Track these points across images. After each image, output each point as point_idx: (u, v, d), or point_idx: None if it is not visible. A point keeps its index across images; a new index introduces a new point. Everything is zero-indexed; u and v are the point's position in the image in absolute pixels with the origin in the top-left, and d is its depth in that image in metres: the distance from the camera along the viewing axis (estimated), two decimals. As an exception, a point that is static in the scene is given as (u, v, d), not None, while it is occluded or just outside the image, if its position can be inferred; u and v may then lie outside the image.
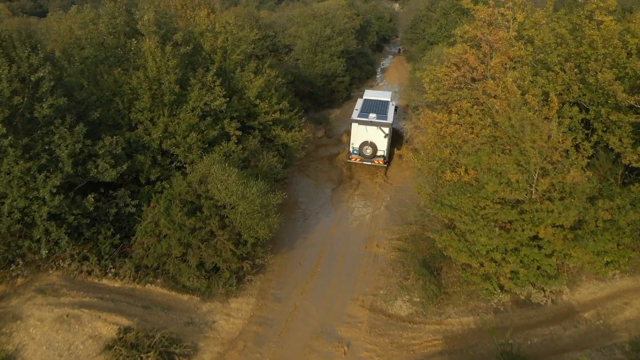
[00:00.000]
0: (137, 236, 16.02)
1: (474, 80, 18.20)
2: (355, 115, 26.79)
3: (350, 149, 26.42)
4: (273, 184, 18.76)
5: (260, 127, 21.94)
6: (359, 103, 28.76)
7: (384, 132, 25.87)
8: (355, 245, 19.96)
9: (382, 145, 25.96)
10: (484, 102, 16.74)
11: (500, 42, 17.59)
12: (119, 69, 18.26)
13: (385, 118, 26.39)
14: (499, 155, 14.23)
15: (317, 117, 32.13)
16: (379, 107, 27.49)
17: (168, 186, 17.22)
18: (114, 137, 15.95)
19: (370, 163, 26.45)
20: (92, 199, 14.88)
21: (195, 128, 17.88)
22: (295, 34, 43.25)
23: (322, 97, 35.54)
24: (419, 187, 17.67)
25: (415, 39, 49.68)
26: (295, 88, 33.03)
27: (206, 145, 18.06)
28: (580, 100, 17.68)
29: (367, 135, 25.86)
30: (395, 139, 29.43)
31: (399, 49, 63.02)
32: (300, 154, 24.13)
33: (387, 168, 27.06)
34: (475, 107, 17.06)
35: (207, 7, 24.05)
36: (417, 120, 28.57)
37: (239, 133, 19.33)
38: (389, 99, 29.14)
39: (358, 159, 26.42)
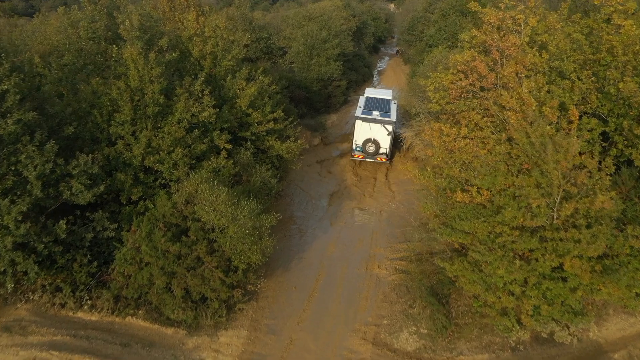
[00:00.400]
0: (116, 264, 14.42)
1: (482, 89, 16.72)
2: (359, 112, 26.71)
3: (354, 146, 26.31)
4: (266, 201, 17.21)
5: (253, 137, 20.37)
6: (361, 101, 28.63)
7: (387, 129, 25.81)
8: (355, 266, 18.41)
9: (385, 143, 25.96)
10: (495, 113, 15.24)
11: (512, 48, 16.11)
12: (98, 78, 16.62)
13: (389, 116, 26.27)
14: (516, 176, 12.74)
15: (312, 124, 30.57)
16: (382, 105, 27.43)
17: (152, 206, 15.63)
18: (90, 154, 14.30)
19: (372, 160, 26.43)
20: (64, 225, 13.26)
21: (181, 142, 16.28)
22: (290, 36, 41.70)
23: (318, 102, 33.99)
24: (425, 206, 16.15)
25: (413, 40, 48.18)
26: (290, 93, 31.48)
27: (193, 161, 16.46)
28: (598, 111, 16.22)
29: (370, 132, 25.82)
30: (395, 145, 27.99)
31: (397, 50, 61.53)
32: (296, 166, 22.56)
33: (389, 167, 25.80)
34: (485, 118, 15.55)
35: (196, 9, 22.46)
36: (417, 127, 27.14)
37: (229, 146, 17.74)
38: (391, 97, 29.24)
39: (361, 156, 26.27)
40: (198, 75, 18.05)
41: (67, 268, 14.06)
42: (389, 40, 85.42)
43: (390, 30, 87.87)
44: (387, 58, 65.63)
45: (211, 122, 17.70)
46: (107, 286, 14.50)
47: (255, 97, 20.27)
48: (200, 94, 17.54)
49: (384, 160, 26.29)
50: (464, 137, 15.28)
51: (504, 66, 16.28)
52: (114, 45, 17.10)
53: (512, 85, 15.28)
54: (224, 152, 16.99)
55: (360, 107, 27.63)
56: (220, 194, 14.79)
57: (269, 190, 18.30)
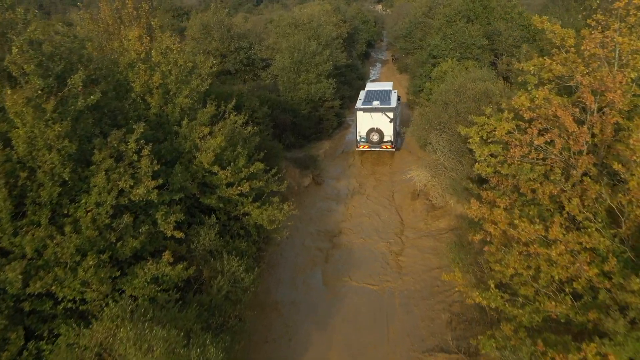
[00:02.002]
0: None
1: (568, 151, 10.68)
2: (359, 104, 26.81)
3: (358, 138, 26.48)
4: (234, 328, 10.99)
5: (221, 205, 14.15)
6: (362, 94, 28.42)
7: (388, 117, 25.80)
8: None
9: (389, 130, 26.01)
10: (612, 202, 9.18)
11: (614, 89, 10.06)
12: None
13: (389, 103, 26.32)
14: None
15: (302, 158, 24.33)
16: (382, 95, 27.51)
17: (47, 352, 9.35)
18: None
19: (378, 149, 26.56)
20: None
21: (98, 242, 10.00)
22: (274, 46, 35.39)
23: (307, 128, 27.74)
24: (487, 344, 9.98)
25: (412, 49, 42.06)
26: (274, 119, 25.24)
27: (117, 274, 10.13)
28: None
29: (372, 122, 25.90)
30: (405, 191, 22.04)
31: (393, 57, 55.22)
32: (282, 235, 16.26)
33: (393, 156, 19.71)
34: (587, 206, 9.45)
35: (140, 25, 16.13)
36: (434, 168, 21.10)
37: (180, 234, 11.47)
38: (391, 88, 29.32)
39: (366, 146, 26.45)
40: (135, 126, 11.74)
41: None
42: (378, 44, 79.57)
43: (380, 33, 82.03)
44: (378, 65, 59.53)
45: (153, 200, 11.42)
46: None
47: (223, 148, 14.03)
48: (135, 157, 11.27)
49: (389, 147, 26.21)
50: (556, 240, 9.15)
51: (600, 113, 10.26)
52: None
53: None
54: (168, 255, 10.61)
55: (360, 99, 27.40)
56: (154, 342, 8.56)
57: (240, 295, 12.04)
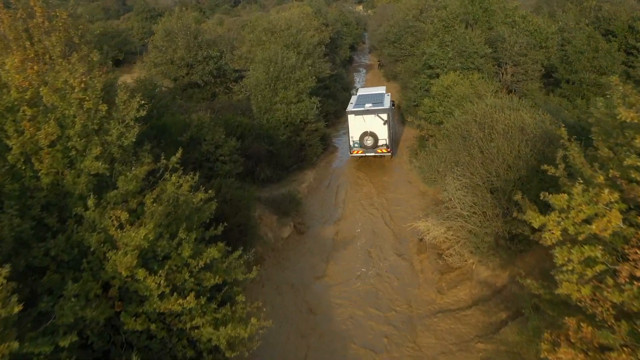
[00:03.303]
0: None
1: None
2: (350, 107, 24.87)
3: (351, 143, 24.35)
4: None
5: (153, 329, 8.98)
6: (353, 98, 26.68)
7: (382, 119, 23.91)
8: None
9: (383, 133, 24.04)
10: None
11: None
12: None
13: (382, 104, 24.56)
14: None
15: (279, 200, 19.11)
16: (375, 98, 25.83)
17: None
18: None
19: (373, 154, 24.46)
20: None
21: None
22: (247, 55, 30.14)
23: (286, 157, 22.54)
24: None
25: (401, 56, 37.10)
26: (245, 149, 20.10)
27: None
28: None
29: (365, 125, 23.96)
30: (407, 240, 17.06)
31: (379, 62, 50.16)
32: (251, 347, 11.03)
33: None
34: None
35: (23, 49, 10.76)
36: (454, 222, 16.15)
37: None
38: (384, 92, 27.38)
39: (360, 152, 24.31)
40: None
41: None
42: (360, 46, 74.74)
43: (362, 35, 77.26)
44: (362, 70, 54.52)
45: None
46: None
47: (156, 236, 8.84)
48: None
49: (385, 151, 24.21)
50: None
51: None
52: None
53: None
54: None
55: (351, 103, 25.61)
56: None
57: None
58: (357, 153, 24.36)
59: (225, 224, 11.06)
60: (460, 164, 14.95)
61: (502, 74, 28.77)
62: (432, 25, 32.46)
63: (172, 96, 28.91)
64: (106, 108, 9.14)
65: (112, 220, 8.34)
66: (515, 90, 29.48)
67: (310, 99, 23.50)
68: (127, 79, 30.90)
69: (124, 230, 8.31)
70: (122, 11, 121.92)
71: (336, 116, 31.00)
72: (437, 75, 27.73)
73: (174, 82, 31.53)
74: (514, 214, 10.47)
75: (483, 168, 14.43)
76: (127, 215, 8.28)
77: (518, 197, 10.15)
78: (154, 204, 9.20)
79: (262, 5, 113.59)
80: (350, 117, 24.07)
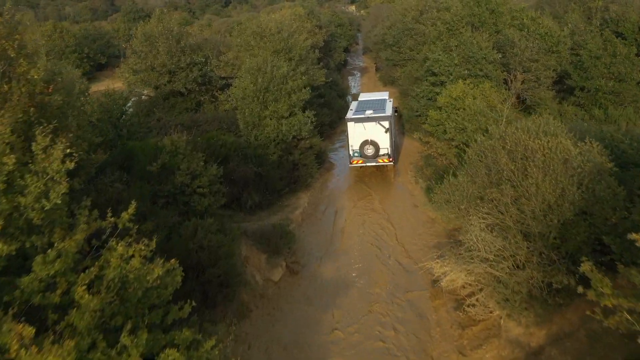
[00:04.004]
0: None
1: None
2: (350, 114, 23.07)
3: (350, 152, 22.57)
4: None
5: None
6: (353, 104, 25.07)
7: (383, 127, 22.11)
8: None
9: (385, 142, 22.28)
10: None
11: None
12: None
13: (384, 112, 22.82)
14: None
15: (269, 233, 16.21)
16: (376, 104, 24.06)
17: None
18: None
19: (374, 164, 22.62)
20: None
21: None
22: (234, 61, 27.24)
23: (277, 179, 19.63)
24: None
25: (400, 60, 34.30)
26: (230, 173, 17.26)
27: None
28: None
29: (366, 133, 22.12)
30: (419, 283, 14.30)
31: (376, 66, 47.35)
32: None
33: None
34: None
35: None
36: (467, 261, 13.42)
37: None
38: (387, 97, 25.74)
39: (360, 161, 22.51)
40: None
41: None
42: (353, 47, 72.05)
43: (355, 36, 74.59)
44: (357, 74, 51.70)
45: None
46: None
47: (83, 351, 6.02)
48: None
49: (386, 161, 22.48)
50: None
51: None
52: None
53: None
54: None
55: (351, 109, 23.99)
56: None
57: None
58: (357, 163, 22.53)
59: (202, 277, 8.27)
60: (486, 200, 12.18)
61: (511, 81, 26.03)
62: (434, 28, 29.73)
63: (149, 109, 25.97)
64: (14, 161, 6.23)
65: (12, 338, 5.48)
66: (525, 99, 26.92)
67: (304, 112, 20.61)
68: (108, 84, 27.94)
69: (28, 352, 5.45)
70: (110, 12, 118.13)
71: (331, 127, 28.18)
72: (442, 83, 25.05)
73: (155, 90, 28.62)
74: (579, 290, 7.82)
75: (515, 207, 11.69)
76: (33, 331, 5.42)
77: (586, 267, 7.50)
78: (88, 294, 6.39)
79: (253, 5, 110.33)
80: (350, 125, 22.20)
